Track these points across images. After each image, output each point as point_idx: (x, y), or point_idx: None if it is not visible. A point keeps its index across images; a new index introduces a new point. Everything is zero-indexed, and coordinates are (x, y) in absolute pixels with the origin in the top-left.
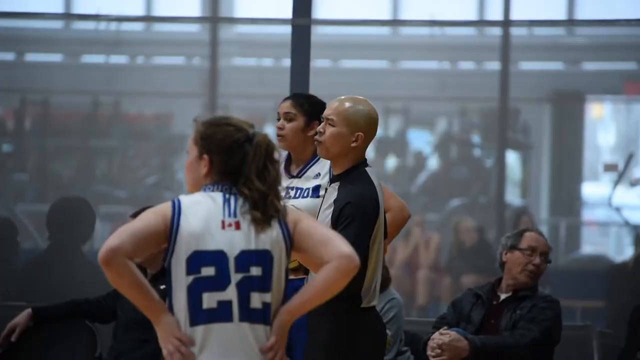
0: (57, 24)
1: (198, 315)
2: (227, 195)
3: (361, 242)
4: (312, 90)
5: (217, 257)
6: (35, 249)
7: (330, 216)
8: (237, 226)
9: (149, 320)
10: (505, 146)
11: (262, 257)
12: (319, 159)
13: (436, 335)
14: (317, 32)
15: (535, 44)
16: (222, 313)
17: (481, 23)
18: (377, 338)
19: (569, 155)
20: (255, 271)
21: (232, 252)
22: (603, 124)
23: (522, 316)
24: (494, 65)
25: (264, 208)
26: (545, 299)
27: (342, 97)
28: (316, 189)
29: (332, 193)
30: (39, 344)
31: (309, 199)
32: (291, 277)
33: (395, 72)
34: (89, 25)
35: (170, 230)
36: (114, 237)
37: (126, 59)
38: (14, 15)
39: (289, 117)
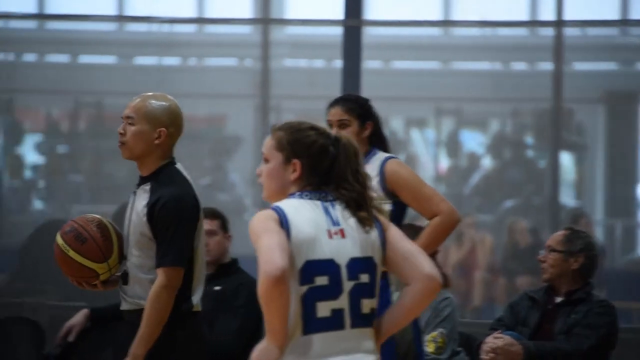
0: (110, 26)
1: (312, 324)
2: (325, 203)
3: (187, 244)
4: (364, 92)
5: (328, 266)
6: None
7: (143, 220)
8: (343, 234)
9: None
10: (558, 147)
11: (368, 264)
12: (369, 159)
13: (490, 338)
14: (368, 33)
15: (589, 44)
16: (335, 321)
17: (534, 23)
18: (202, 343)
19: (623, 156)
20: (364, 278)
21: (342, 261)
22: None
23: (577, 321)
24: (547, 66)
25: (367, 207)
26: (601, 304)
27: (141, 95)
28: None
29: (143, 195)
30: (96, 344)
31: None
32: None
33: (447, 73)
34: (142, 27)
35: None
36: (272, 256)
37: (178, 61)
38: (67, 17)
39: (343, 124)
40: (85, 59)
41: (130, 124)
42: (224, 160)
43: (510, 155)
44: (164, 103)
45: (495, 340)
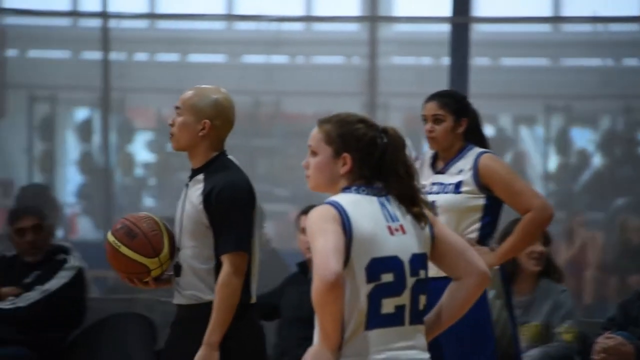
0: (219, 25)
1: (376, 320)
2: (380, 198)
3: (248, 229)
4: (472, 89)
5: (393, 263)
6: None
7: (200, 209)
8: (403, 230)
9: (312, 318)
10: None
11: (425, 260)
12: (463, 154)
13: (601, 338)
14: (476, 30)
15: None
16: (397, 317)
17: None
18: (260, 335)
19: None
20: (422, 274)
21: (405, 257)
22: None
23: None
24: None
25: (419, 202)
26: None
27: (193, 87)
28: (459, 184)
29: (196, 186)
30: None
31: (450, 194)
32: None
33: (556, 69)
34: (250, 25)
35: (345, 237)
36: (327, 260)
37: (286, 59)
38: (177, 17)
39: (437, 119)
40: (194, 57)
41: (178, 114)
42: None
43: (621, 153)
44: (212, 96)
45: (606, 340)
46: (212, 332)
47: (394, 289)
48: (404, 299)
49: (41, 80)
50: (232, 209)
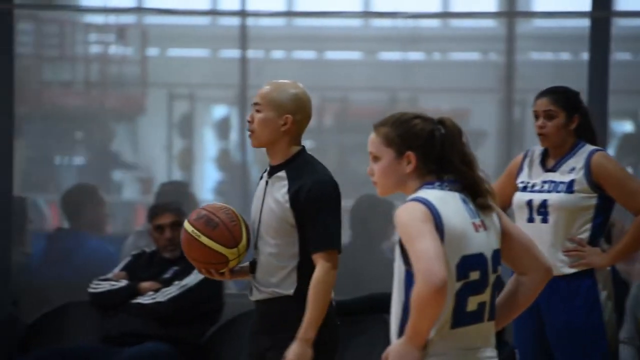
0: (356, 22)
1: (461, 318)
2: (461, 194)
3: (338, 227)
4: (612, 85)
5: (479, 260)
6: None
7: (286, 207)
8: (484, 226)
9: None
10: None
11: (500, 255)
12: (575, 152)
13: None
14: (617, 24)
15: None
16: (479, 314)
17: None
18: (336, 329)
19: None
20: (499, 270)
21: (488, 253)
22: None
23: None
24: None
25: (485, 192)
26: None
27: (270, 82)
28: (571, 184)
29: (279, 183)
30: (341, 337)
31: (563, 194)
32: None
33: None
34: (386, 22)
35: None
36: (433, 265)
37: (422, 56)
38: (314, 14)
39: (549, 115)
40: (330, 55)
41: (257, 110)
42: None
43: None
44: (291, 90)
45: None
46: (307, 329)
47: (479, 286)
48: (486, 296)
49: (180, 78)
50: (323, 207)
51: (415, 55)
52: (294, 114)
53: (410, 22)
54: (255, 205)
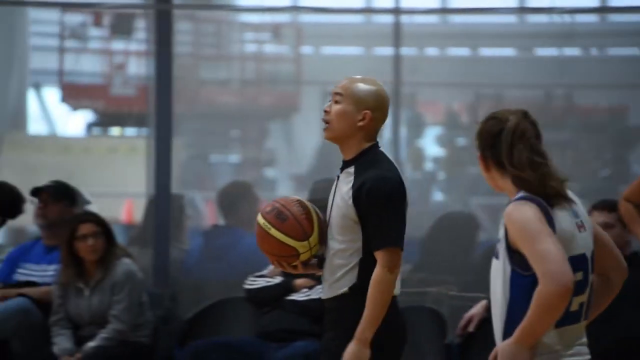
0: (511, 18)
1: (565, 318)
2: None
3: (400, 225)
4: None
5: (582, 261)
6: (489, 241)
7: (349, 204)
8: (584, 227)
9: None
10: None
11: (594, 255)
12: None
13: None
14: None
15: None
16: (579, 314)
17: None
18: (401, 329)
19: None
20: (593, 269)
21: (589, 253)
22: None
23: None
24: None
25: (552, 191)
26: None
27: (350, 77)
28: None
29: (347, 179)
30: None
31: None
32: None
33: None
34: (542, 18)
35: None
36: (563, 266)
37: (579, 51)
38: (468, 11)
39: None
40: (485, 51)
41: (336, 102)
42: (625, 152)
43: None
44: (372, 86)
45: None
46: (365, 329)
47: (582, 286)
48: (585, 296)
49: (334, 76)
50: (385, 204)
51: (571, 51)
52: (372, 110)
53: (567, 18)
54: (329, 201)
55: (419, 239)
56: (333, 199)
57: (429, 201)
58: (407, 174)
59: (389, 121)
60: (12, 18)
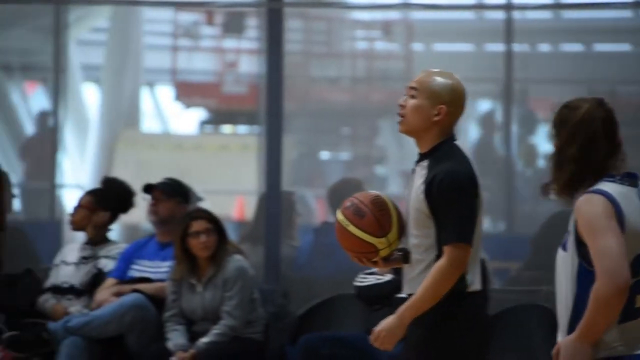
0: (625, 13)
1: (629, 314)
2: (635, 189)
3: (470, 220)
4: None
5: None
6: None
7: (421, 197)
8: None
9: None
10: None
11: None
12: None
13: None
14: None
15: None
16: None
17: None
18: (479, 326)
19: None
20: None
21: None
22: None
23: None
24: None
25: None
26: None
27: (426, 70)
28: None
29: (421, 172)
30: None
31: None
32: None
33: None
34: None
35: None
36: (621, 265)
37: None
38: (582, 6)
39: None
40: (599, 47)
41: (412, 96)
42: None
43: None
44: (448, 81)
45: None
46: (407, 308)
47: None
48: None
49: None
50: (454, 198)
51: None
52: (448, 105)
53: None
54: (407, 195)
55: (530, 236)
56: (409, 194)
57: (541, 199)
58: (520, 171)
59: (500, 117)
60: (127, 18)
